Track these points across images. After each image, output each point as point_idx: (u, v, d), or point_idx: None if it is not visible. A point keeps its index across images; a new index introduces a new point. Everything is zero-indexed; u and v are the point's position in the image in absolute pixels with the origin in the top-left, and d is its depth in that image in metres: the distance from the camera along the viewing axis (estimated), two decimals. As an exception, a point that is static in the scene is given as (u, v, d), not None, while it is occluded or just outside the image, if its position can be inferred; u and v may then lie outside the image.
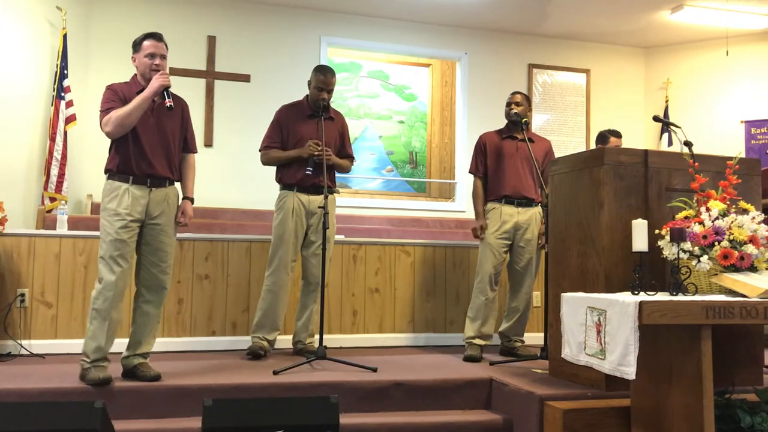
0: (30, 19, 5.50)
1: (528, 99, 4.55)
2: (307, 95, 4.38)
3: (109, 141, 3.44)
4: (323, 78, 4.26)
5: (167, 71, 3.44)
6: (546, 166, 4.40)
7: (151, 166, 3.41)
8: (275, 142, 4.28)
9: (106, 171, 3.43)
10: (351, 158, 4.51)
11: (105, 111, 3.36)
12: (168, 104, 3.38)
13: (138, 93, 3.39)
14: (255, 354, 4.08)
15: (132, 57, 3.51)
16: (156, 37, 3.47)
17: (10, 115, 5.20)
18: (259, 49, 6.80)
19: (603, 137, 5.44)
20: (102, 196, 3.41)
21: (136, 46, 3.48)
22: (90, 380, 3.22)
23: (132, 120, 3.34)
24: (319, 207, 4.05)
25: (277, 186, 4.32)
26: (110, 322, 3.31)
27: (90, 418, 2.45)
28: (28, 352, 4.16)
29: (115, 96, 3.40)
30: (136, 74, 3.50)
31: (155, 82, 3.36)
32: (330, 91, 4.29)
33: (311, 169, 4.12)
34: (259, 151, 4.34)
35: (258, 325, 4.21)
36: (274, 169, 4.34)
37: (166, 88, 3.38)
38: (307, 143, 4.17)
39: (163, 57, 3.47)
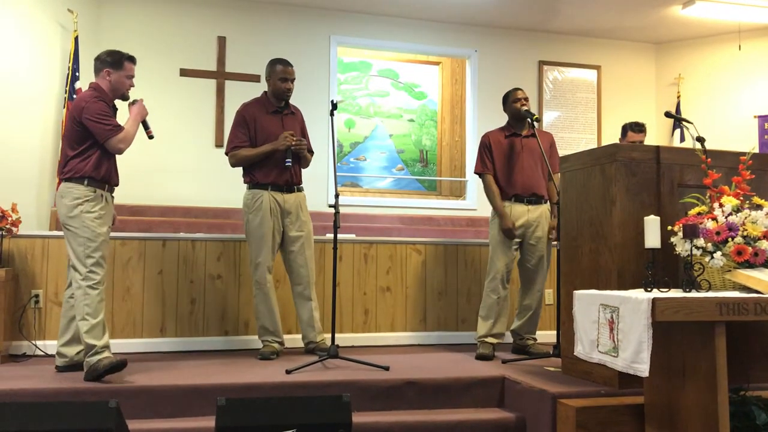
0: (41, 23, 5.54)
1: None
2: (264, 92, 4.37)
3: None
4: (284, 68, 4.28)
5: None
6: (550, 158, 4.38)
7: (117, 176, 3.76)
8: (244, 142, 4.23)
9: (84, 177, 3.55)
10: (311, 152, 4.47)
11: (117, 128, 3.59)
12: (150, 134, 3.77)
13: (111, 106, 3.70)
14: (267, 358, 4.09)
15: (106, 70, 3.67)
16: (134, 60, 3.76)
17: (22, 117, 5.24)
18: (269, 49, 6.79)
19: (623, 130, 5.31)
20: (81, 200, 3.53)
21: (116, 63, 3.69)
22: (106, 367, 3.32)
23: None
24: (330, 205, 4.04)
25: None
26: (103, 313, 3.51)
27: (105, 417, 2.47)
28: (42, 353, 4.19)
29: (111, 112, 3.66)
30: (99, 84, 3.68)
31: (143, 111, 3.72)
32: (293, 81, 4.30)
33: (290, 160, 4.13)
34: (226, 154, 4.27)
35: (263, 330, 4.21)
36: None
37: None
38: (282, 135, 4.16)
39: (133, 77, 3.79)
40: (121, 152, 3.63)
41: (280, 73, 4.26)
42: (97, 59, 3.71)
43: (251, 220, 4.18)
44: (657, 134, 7.70)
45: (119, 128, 3.59)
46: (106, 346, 3.44)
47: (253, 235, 4.17)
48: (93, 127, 3.53)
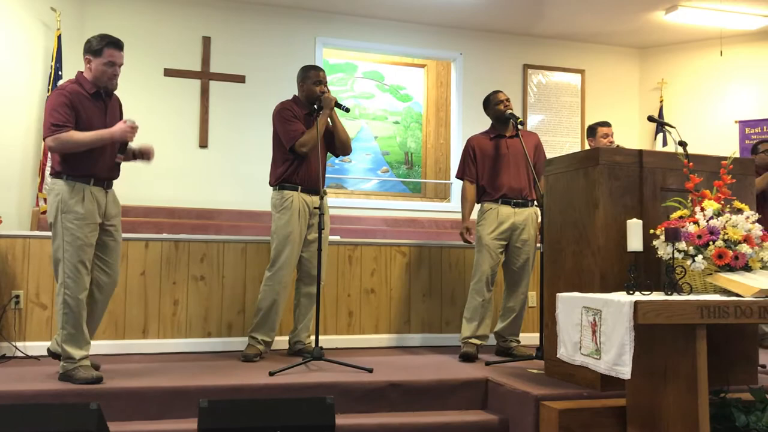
0: (24, 21, 5.49)
1: None
2: (295, 95, 4.37)
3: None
4: (317, 72, 4.31)
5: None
6: (537, 159, 4.40)
7: (110, 169, 3.51)
8: (301, 131, 4.20)
9: (63, 171, 3.37)
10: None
11: (60, 126, 3.29)
12: (119, 160, 3.50)
13: (92, 95, 3.43)
14: (250, 360, 4.07)
15: (86, 57, 3.45)
16: (118, 46, 3.47)
17: (3, 116, 5.19)
18: (254, 49, 6.79)
19: (591, 129, 5.43)
20: (61, 197, 3.35)
21: (96, 51, 3.41)
22: (81, 379, 3.25)
23: (81, 150, 3.36)
24: (315, 208, 4.05)
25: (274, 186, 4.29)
26: (83, 322, 3.37)
27: (86, 419, 2.45)
28: (22, 354, 4.15)
29: (71, 108, 3.35)
30: (82, 72, 3.48)
31: (123, 136, 3.42)
32: (326, 84, 4.34)
33: (346, 106, 4.25)
34: (293, 147, 4.15)
35: (258, 325, 4.18)
36: (268, 170, 4.32)
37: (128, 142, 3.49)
38: (324, 95, 4.19)
39: (120, 65, 3.50)
40: (52, 152, 3.37)
41: (314, 77, 4.27)
42: (85, 43, 3.48)
43: (279, 218, 4.20)
44: (640, 138, 7.76)
45: (64, 128, 3.28)
46: (85, 357, 3.35)
47: (279, 233, 4.17)
48: (44, 118, 3.39)
